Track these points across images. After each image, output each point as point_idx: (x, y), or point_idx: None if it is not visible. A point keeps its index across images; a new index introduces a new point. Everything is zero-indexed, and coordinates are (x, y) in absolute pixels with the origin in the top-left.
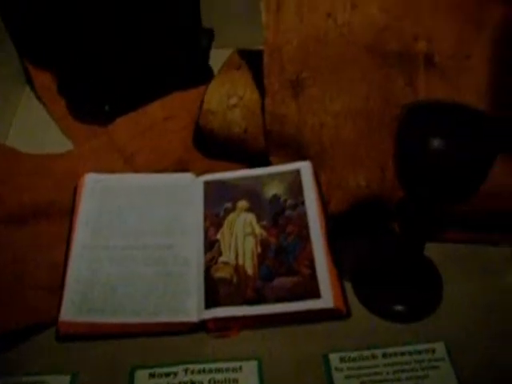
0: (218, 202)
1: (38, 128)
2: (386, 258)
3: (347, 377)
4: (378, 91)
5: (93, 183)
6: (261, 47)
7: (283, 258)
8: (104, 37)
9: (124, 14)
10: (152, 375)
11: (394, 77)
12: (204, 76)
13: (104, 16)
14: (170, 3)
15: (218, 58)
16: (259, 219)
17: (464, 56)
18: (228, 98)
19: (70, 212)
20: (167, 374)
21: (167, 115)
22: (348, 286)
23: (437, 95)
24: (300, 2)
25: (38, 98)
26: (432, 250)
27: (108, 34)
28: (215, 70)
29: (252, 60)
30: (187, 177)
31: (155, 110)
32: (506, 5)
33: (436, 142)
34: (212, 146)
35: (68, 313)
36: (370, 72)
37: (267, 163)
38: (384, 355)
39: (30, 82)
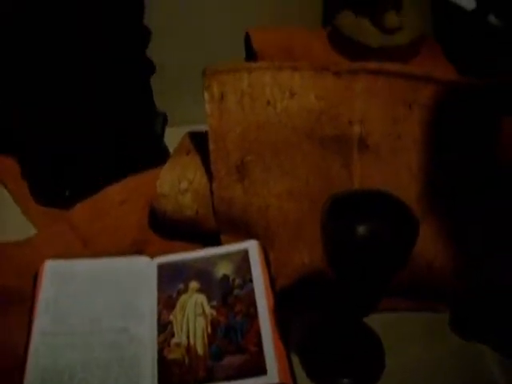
0: (171, 283)
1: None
2: (330, 332)
3: None
4: (317, 173)
5: (52, 270)
6: None
7: (232, 337)
8: (62, 125)
9: (78, 104)
10: None
11: (331, 160)
12: (159, 157)
13: (61, 106)
14: (122, 90)
15: (172, 136)
16: (210, 299)
17: (396, 136)
18: (179, 183)
19: (31, 299)
20: None
21: (123, 199)
22: (296, 360)
23: (372, 176)
24: (242, 91)
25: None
26: (372, 318)
27: (66, 122)
28: (170, 147)
29: (201, 143)
30: (142, 260)
31: (111, 194)
32: (435, 84)
33: (361, 230)
34: (166, 227)
35: None
36: (309, 155)
37: (219, 242)
38: None
39: None
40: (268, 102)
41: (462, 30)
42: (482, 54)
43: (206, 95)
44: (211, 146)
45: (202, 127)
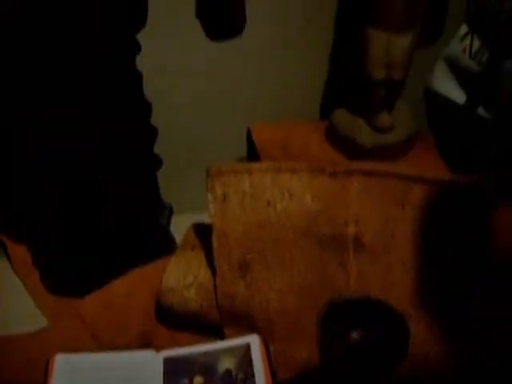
0: (176, 378)
1: (13, 300)
2: None
3: None
4: (315, 271)
5: (62, 363)
6: None
7: None
8: (74, 218)
9: (89, 198)
10: None
11: (328, 258)
12: (165, 247)
13: (73, 201)
14: (129, 185)
15: (178, 222)
16: None
17: (390, 235)
18: (184, 278)
19: None
20: None
21: (129, 291)
22: None
23: (367, 273)
24: (243, 192)
25: (14, 270)
26: None
27: (77, 215)
28: (176, 233)
29: (205, 238)
30: (148, 354)
31: (117, 287)
32: (426, 184)
33: (354, 336)
34: (172, 319)
35: None
36: (308, 253)
37: (223, 334)
38: None
39: (6, 253)
40: (268, 203)
41: (454, 122)
42: (472, 145)
43: (210, 196)
44: (215, 244)
45: (206, 214)
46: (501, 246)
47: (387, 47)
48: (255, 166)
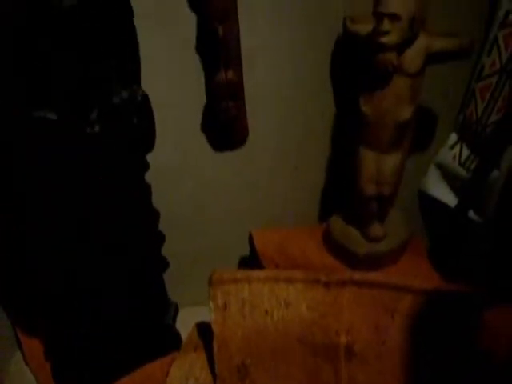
0: None
1: None
2: None
3: None
4: (309, 377)
5: None
6: None
7: None
8: (84, 322)
9: (98, 305)
10: None
11: (321, 365)
12: (171, 344)
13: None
14: (137, 288)
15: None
16: None
17: (380, 342)
18: (187, 380)
19: None
20: None
21: None
22: None
23: (358, 380)
24: (243, 300)
25: (27, 363)
26: None
27: (87, 319)
28: (180, 326)
29: (208, 338)
30: None
31: None
32: (415, 294)
33: None
34: None
35: None
36: (303, 360)
37: None
38: None
39: (20, 346)
40: (266, 312)
41: (446, 223)
42: (463, 245)
43: (212, 304)
44: (215, 349)
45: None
46: (490, 351)
47: (377, 165)
48: (254, 274)
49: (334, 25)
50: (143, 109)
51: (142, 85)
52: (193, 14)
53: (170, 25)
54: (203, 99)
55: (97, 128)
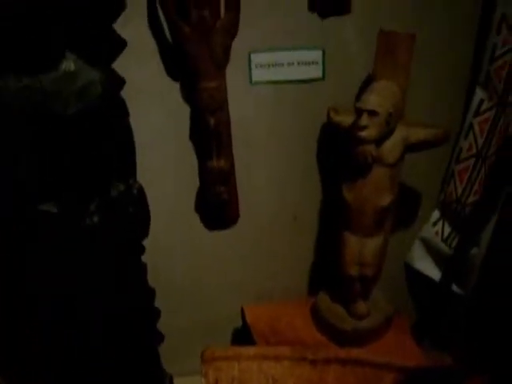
0: None
1: None
2: None
3: None
4: None
5: None
6: None
7: None
8: None
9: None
10: None
11: None
12: None
13: None
14: (132, 360)
15: None
16: None
17: None
18: None
19: None
20: None
21: None
22: None
23: None
24: (233, 377)
25: None
26: None
27: None
28: None
29: None
30: None
31: None
32: (396, 372)
33: None
34: None
35: None
36: None
37: None
38: None
39: None
40: None
41: (430, 295)
42: (445, 317)
43: (203, 381)
44: None
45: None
46: None
47: (360, 248)
48: (244, 352)
49: (321, 115)
50: (139, 200)
51: (138, 170)
52: (186, 105)
53: (165, 116)
54: (197, 183)
55: (96, 219)
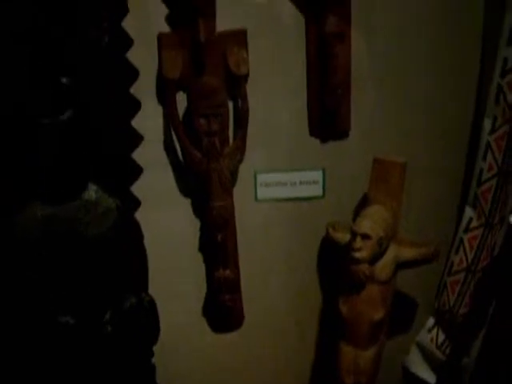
0: None
1: None
2: None
3: None
4: None
5: None
6: None
7: None
8: None
9: None
10: None
11: None
12: None
13: None
14: None
15: None
16: None
17: None
18: None
19: None
20: None
21: None
22: None
23: None
24: None
25: None
26: None
27: None
28: None
29: None
30: None
31: None
32: None
33: None
34: None
35: None
36: None
37: None
38: None
39: None
40: None
41: None
42: None
43: None
44: None
45: None
46: None
47: (355, 358)
48: None
49: (320, 230)
50: (149, 312)
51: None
52: (196, 219)
53: (177, 228)
54: (204, 289)
55: (109, 328)
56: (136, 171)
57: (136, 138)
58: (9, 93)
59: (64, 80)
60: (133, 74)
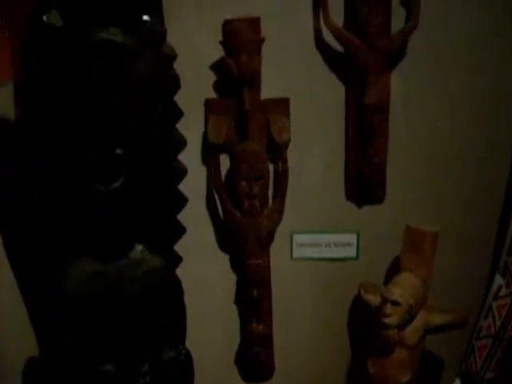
0: None
1: None
2: None
3: None
4: None
5: None
6: None
7: None
8: None
9: None
10: None
11: None
12: None
13: None
14: None
15: None
16: None
17: None
18: None
19: None
20: None
21: None
22: None
23: None
24: None
25: None
26: None
27: None
28: None
29: None
30: None
31: None
32: None
33: None
34: None
35: None
36: None
37: None
38: None
39: None
40: None
41: None
42: None
43: None
44: None
45: None
46: None
47: None
48: None
49: (353, 290)
50: (186, 364)
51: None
52: (233, 274)
53: (213, 282)
54: (238, 340)
55: (147, 379)
56: (179, 231)
57: (181, 201)
58: (66, 159)
59: (118, 151)
60: (181, 143)
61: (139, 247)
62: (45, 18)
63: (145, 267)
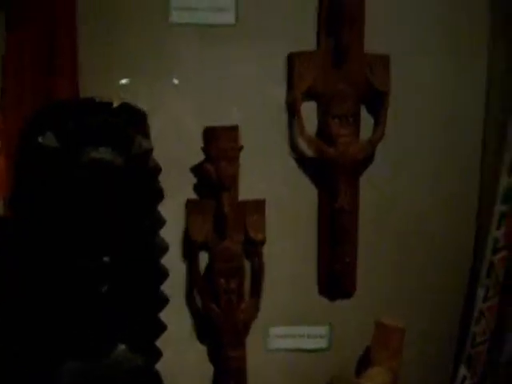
0: None
1: None
2: None
3: None
4: None
5: None
6: None
7: None
8: None
9: None
10: None
11: None
12: None
13: None
14: None
15: None
16: None
17: None
18: None
19: None
20: None
21: None
22: None
23: None
24: None
25: None
26: None
27: None
28: None
29: None
30: None
31: None
32: None
33: None
34: None
35: None
36: None
37: None
38: None
39: None
40: None
41: None
42: None
43: None
44: None
45: None
46: None
47: None
48: None
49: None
50: None
51: None
52: (210, 365)
53: None
54: None
55: None
56: (161, 329)
57: (163, 300)
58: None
59: (105, 259)
60: (163, 248)
61: (121, 347)
62: (40, 139)
63: (126, 366)
